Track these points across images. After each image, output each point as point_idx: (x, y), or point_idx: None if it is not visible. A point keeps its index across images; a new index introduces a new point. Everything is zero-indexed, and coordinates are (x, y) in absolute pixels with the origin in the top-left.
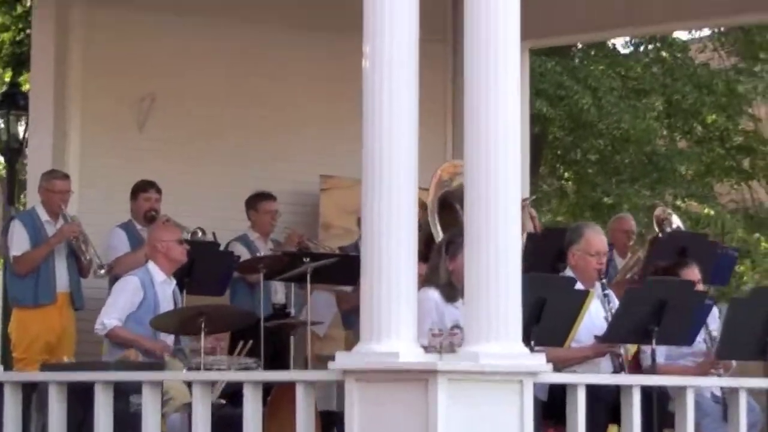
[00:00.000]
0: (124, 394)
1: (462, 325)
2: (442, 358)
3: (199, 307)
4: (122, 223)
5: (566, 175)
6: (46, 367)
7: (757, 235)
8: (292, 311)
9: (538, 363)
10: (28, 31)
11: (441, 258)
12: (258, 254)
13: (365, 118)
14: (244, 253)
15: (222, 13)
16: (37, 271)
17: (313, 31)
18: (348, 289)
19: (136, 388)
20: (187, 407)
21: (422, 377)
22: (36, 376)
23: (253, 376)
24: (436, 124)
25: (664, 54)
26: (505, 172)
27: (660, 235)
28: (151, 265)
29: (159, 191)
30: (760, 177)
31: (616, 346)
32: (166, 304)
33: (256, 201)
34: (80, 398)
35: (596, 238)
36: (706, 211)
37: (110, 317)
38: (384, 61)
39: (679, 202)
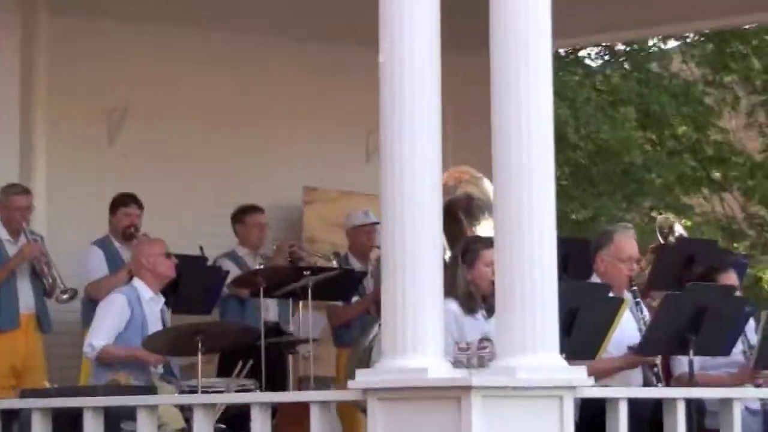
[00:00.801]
0: (115, 420)
1: (491, 337)
2: (472, 374)
3: (195, 324)
4: (98, 239)
5: None
6: (26, 393)
7: (735, 245)
8: (290, 328)
9: (579, 376)
10: None
11: (458, 267)
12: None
13: (383, 117)
14: (233, 269)
15: (198, 23)
16: None
17: (294, 41)
18: (339, 304)
19: (127, 413)
20: None
21: (454, 395)
22: (16, 403)
23: (261, 398)
24: None
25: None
26: (540, 172)
27: (663, 243)
28: (138, 282)
29: (140, 206)
30: (734, 188)
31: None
32: (155, 323)
33: (243, 214)
34: (65, 427)
35: (628, 242)
36: (683, 222)
37: (98, 338)
38: (404, 58)
39: (654, 213)
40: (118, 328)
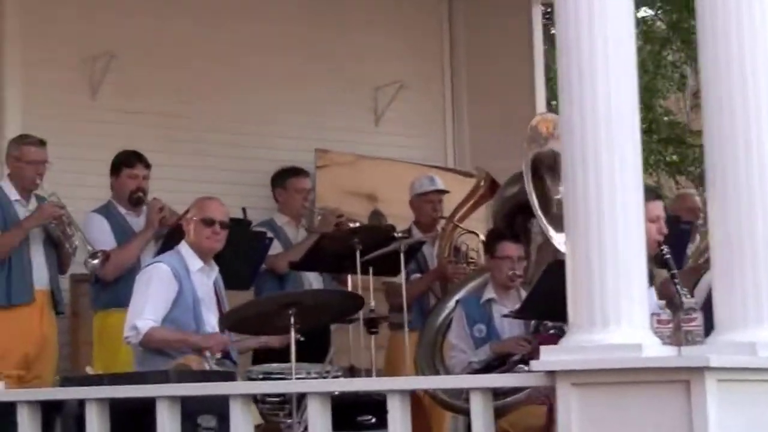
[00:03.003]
0: (190, 415)
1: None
2: (680, 353)
3: (286, 294)
4: (100, 206)
5: None
6: (68, 380)
7: None
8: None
9: None
10: None
11: None
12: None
13: (562, 39)
14: None
15: None
16: (8, 263)
17: None
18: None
19: (204, 407)
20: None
21: (682, 378)
22: (65, 392)
23: (402, 384)
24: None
25: None
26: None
27: None
28: (184, 248)
29: (148, 166)
30: (687, 171)
31: None
32: (208, 300)
33: (285, 178)
34: (125, 423)
35: (651, 203)
36: None
37: (143, 318)
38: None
39: None
40: (165, 306)
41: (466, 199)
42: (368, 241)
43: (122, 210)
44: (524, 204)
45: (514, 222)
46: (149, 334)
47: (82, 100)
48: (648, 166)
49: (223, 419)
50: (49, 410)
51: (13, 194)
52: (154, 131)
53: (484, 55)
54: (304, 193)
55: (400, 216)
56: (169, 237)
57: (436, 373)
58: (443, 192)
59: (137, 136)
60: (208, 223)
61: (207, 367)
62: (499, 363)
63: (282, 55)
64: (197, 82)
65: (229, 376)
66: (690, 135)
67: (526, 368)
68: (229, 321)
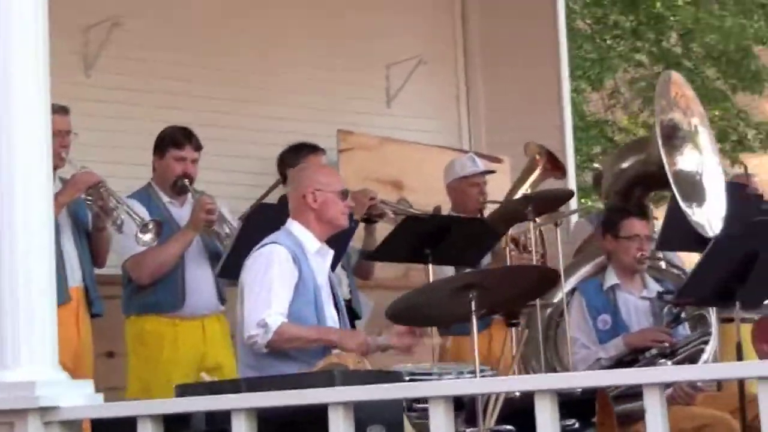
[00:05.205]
0: (357, 424)
1: None
2: None
3: (464, 275)
4: (139, 190)
5: None
6: (188, 390)
7: None
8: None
9: None
10: None
11: None
12: None
13: None
14: None
15: None
16: None
17: None
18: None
19: (373, 415)
20: None
21: None
22: (209, 401)
23: (660, 376)
24: None
25: None
26: None
27: None
28: (297, 227)
29: (198, 148)
30: None
31: None
32: (327, 290)
33: (298, 155)
34: None
35: None
36: None
37: (269, 313)
38: None
39: None
40: (289, 297)
41: (520, 179)
42: (542, 209)
43: (164, 197)
44: (641, 176)
45: (630, 197)
46: (281, 332)
47: (74, 76)
48: None
49: (393, 429)
50: (172, 426)
51: None
52: (157, 113)
53: (500, 31)
54: None
55: (426, 205)
56: (249, 219)
57: (553, 371)
58: (489, 173)
59: (138, 118)
60: (344, 195)
61: (368, 366)
62: (631, 359)
63: (301, 35)
64: (205, 61)
65: (397, 377)
66: None
67: (669, 363)
68: (396, 311)
